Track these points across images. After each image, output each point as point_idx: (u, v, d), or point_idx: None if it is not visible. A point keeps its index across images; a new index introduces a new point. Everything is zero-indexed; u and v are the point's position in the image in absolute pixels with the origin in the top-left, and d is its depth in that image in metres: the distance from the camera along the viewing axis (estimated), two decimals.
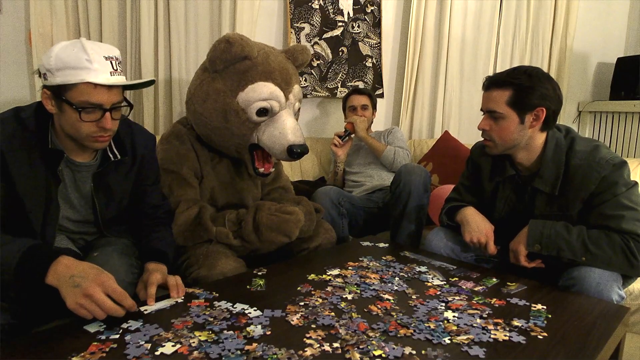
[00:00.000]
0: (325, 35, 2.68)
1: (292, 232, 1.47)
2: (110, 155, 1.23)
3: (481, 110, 1.41)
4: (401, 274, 1.32)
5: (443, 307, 1.09)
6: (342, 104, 2.55)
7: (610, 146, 3.05)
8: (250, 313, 1.03)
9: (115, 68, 1.10)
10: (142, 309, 1.04)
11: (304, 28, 2.61)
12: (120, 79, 1.11)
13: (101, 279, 0.96)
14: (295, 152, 1.51)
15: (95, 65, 1.06)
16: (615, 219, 1.26)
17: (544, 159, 1.36)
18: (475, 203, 1.55)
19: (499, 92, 1.34)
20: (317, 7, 2.62)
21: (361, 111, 2.44)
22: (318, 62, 2.69)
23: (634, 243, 1.24)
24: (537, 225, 1.32)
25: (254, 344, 0.89)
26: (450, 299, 1.14)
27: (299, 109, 1.69)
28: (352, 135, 2.42)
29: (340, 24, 2.71)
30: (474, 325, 1.01)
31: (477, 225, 1.44)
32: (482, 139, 1.44)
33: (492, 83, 1.37)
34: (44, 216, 1.14)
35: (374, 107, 2.52)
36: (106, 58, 1.09)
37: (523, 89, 1.31)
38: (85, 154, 1.21)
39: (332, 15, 2.67)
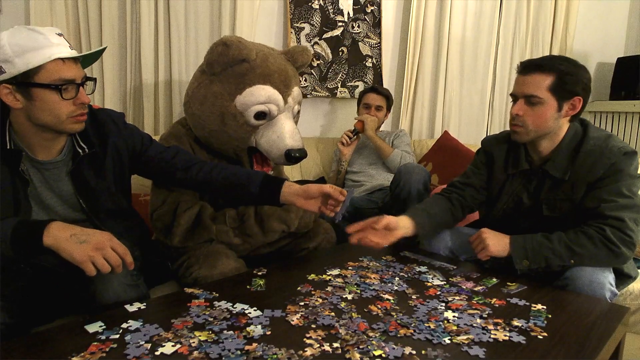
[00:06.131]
0: (325, 35, 2.68)
1: (292, 221, 1.51)
2: (80, 151, 1.19)
3: (512, 95, 1.37)
4: (401, 274, 1.32)
5: (443, 307, 1.09)
6: (358, 99, 2.55)
7: None
8: (250, 313, 1.03)
9: (69, 43, 1.08)
10: None
11: (304, 28, 2.61)
12: (76, 53, 1.09)
13: (107, 235, 0.99)
14: (293, 156, 1.51)
15: (54, 40, 1.03)
16: (608, 204, 1.26)
17: (560, 146, 1.36)
18: (479, 188, 1.54)
19: (541, 76, 1.29)
20: (317, 7, 2.62)
21: (374, 111, 2.44)
22: (318, 62, 2.69)
23: (610, 231, 1.23)
24: (518, 241, 1.31)
25: (254, 344, 0.89)
26: (450, 299, 1.14)
27: (299, 111, 1.69)
28: (360, 135, 2.42)
29: (340, 24, 2.71)
30: (474, 325, 1.01)
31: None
32: (506, 128, 1.40)
33: (533, 66, 1.31)
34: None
35: (388, 109, 2.52)
36: (58, 35, 1.06)
37: (566, 75, 1.28)
38: (51, 150, 1.16)
39: (332, 15, 2.67)
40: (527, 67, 1.33)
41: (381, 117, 2.46)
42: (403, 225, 1.40)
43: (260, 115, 1.51)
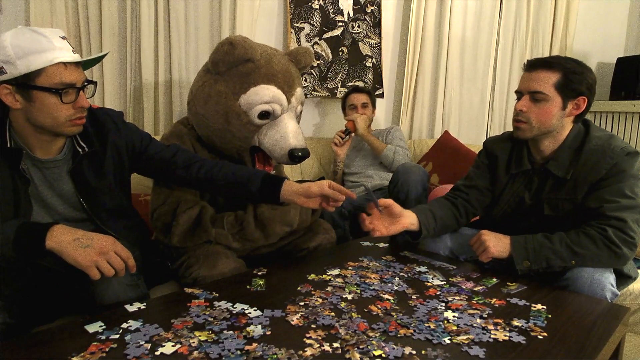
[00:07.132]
0: (325, 35, 2.68)
1: (293, 220, 1.52)
2: (79, 150, 1.19)
3: (517, 92, 1.38)
4: (401, 274, 1.32)
5: (443, 307, 1.09)
6: (342, 103, 2.56)
7: None
8: (250, 313, 1.03)
9: (72, 46, 1.09)
10: None
11: (304, 28, 2.61)
12: (79, 57, 1.10)
13: (110, 239, 0.99)
14: (296, 156, 1.51)
15: (57, 44, 1.03)
16: (610, 204, 1.26)
17: (563, 145, 1.36)
18: (483, 190, 1.53)
19: (547, 73, 1.31)
20: (317, 7, 2.62)
21: (362, 109, 2.45)
22: (318, 62, 2.69)
23: (612, 231, 1.23)
24: (519, 241, 1.30)
25: (254, 344, 0.89)
26: (450, 299, 1.14)
27: (301, 111, 1.70)
28: (353, 134, 2.43)
29: (340, 24, 2.71)
30: (474, 325, 1.01)
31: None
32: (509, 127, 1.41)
33: (540, 64, 1.33)
34: (14, 217, 1.11)
35: (374, 106, 2.53)
36: (61, 38, 1.06)
37: (572, 74, 1.29)
38: (50, 150, 1.16)
39: (332, 15, 2.67)
40: (534, 64, 1.35)
41: (369, 114, 2.47)
42: (408, 215, 1.41)
43: (264, 115, 1.52)
